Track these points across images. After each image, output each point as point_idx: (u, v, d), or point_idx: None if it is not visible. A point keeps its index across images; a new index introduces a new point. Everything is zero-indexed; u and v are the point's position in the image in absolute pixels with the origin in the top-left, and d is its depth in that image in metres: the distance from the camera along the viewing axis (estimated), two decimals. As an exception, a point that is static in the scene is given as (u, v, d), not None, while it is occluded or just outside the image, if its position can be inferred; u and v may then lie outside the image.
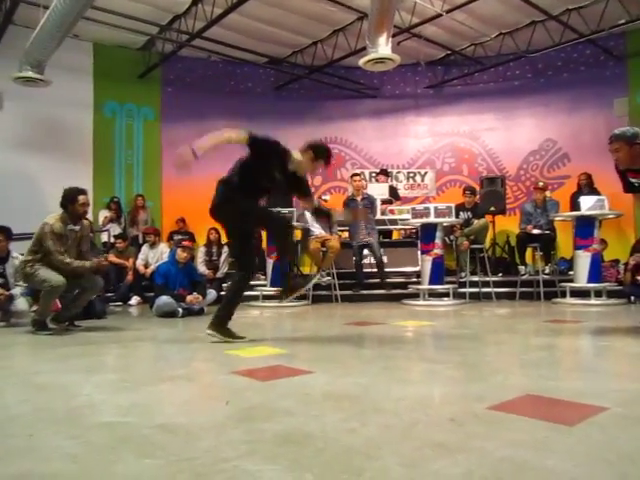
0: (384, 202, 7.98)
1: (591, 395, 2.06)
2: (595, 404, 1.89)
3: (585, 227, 6.45)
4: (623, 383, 2.37)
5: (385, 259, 7.46)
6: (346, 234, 8.38)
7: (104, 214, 8.94)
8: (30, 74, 7.43)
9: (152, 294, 5.99)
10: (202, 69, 10.31)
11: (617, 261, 7.27)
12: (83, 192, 4.57)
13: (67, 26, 6.71)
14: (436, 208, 6.76)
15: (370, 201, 7.44)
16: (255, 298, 6.98)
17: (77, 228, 4.59)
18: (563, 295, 6.58)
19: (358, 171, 8.72)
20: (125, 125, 9.92)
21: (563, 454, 1.43)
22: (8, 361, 3.29)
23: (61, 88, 8.24)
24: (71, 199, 4.50)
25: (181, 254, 5.73)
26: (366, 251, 7.37)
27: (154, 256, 7.61)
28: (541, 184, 8.00)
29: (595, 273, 6.33)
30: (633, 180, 3.68)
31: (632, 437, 1.58)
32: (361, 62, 7.58)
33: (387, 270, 7.41)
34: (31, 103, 8.34)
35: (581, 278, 6.40)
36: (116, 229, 8.64)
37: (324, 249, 7.29)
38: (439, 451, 1.46)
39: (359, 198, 7.37)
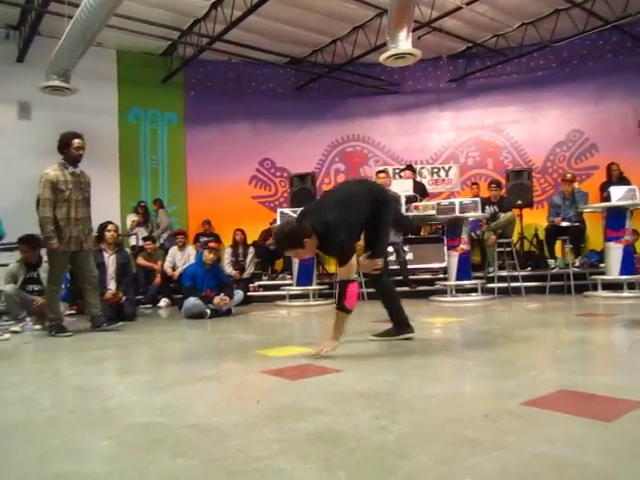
0: (408, 199, 7.90)
1: (628, 390, 2.01)
2: (632, 399, 1.84)
3: (616, 218, 6.29)
4: (661, 377, 2.31)
5: (411, 256, 7.41)
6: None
7: (132, 218, 9.09)
8: (56, 83, 7.58)
9: (180, 296, 6.06)
10: (223, 72, 10.39)
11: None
12: (78, 136, 4.65)
13: (91, 35, 6.84)
14: (461, 203, 6.68)
15: (396, 199, 7.37)
16: (282, 298, 7.01)
17: (78, 171, 4.67)
18: (594, 288, 6.43)
19: (382, 168, 8.67)
20: (149, 130, 10.07)
21: (601, 450, 1.40)
22: (45, 364, 3.36)
23: (86, 95, 8.40)
24: (66, 143, 4.59)
25: (208, 255, 5.78)
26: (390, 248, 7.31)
27: (182, 258, 7.70)
28: (569, 176, 7.83)
29: (627, 265, 6.17)
30: None
31: (673, 432, 1.54)
32: (381, 58, 7.53)
33: (413, 267, 7.35)
34: (58, 111, 8.51)
35: (613, 270, 6.25)
36: (143, 232, 8.77)
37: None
38: (473, 448, 1.45)
39: None
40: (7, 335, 4.47)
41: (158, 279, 7.59)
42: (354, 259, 3.05)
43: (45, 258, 5.50)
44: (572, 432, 1.56)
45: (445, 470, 1.31)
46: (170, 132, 10.25)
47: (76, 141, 4.60)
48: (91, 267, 4.81)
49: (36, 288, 5.36)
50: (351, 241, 3.07)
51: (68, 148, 4.59)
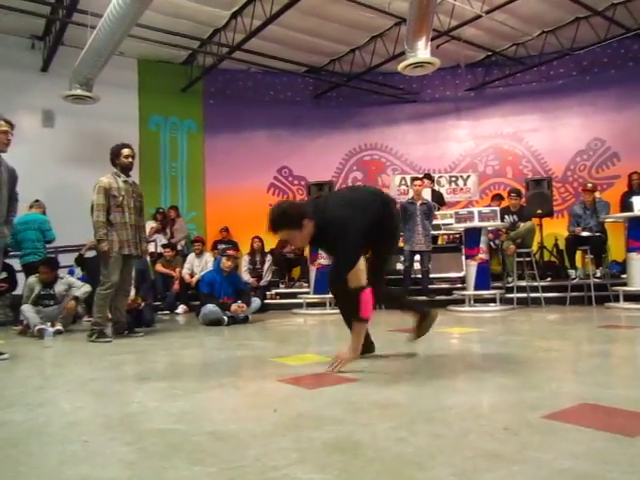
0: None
1: (653, 404, 1.96)
2: (657, 413, 1.80)
3: (638, 228, 6.19)
4: (686, 391, 2.25)
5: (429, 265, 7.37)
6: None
7: (150, 225, 9.16)
8: (79, 92, 7.73)
9: (198, 303, 6.10)
10: (242, 80, 10.49)
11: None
12: (127, 146, 4.88)
13: (113, 44, 6.97)
14: (480, 212, 6.63)
15: (428, 207, 7.34)
16: (299, 306, 7.01)
17: (131, 181, 4.89)
18: (616, 299, 6.32)
19: (419, 176, 8.63)
20: (169, 138, 10.19)
21: (625, 466, 1.37)
22: (64, 369, 3.40)
23: (108, 104, 8.53)
24: (116, 153, 4.81)
25: (226, 263, 5.81)
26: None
27: (199, 265, 7.75)
28: (590, 185, 7.73)
29: (650, 276, 6.06)
30: None
31: (700, 449, 1.50)
32: (400, 67, 7.54)
33: (431, 276, 7.31)
34: (80, 119, 8.67)
35: (635, 281, 6.13)
36: (162, 239, 8.84)
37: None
38: (493, 461, 1.42)
39: (418, 203, 7.28)
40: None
41: (176, 286, 7.65)
42: (362, 262, 2.92)
43: (60, 275, 5.76)
44: (595, 447, 1.52)
45: (465, 483, 1.29)
46: (189, 140, 10.37)
47: (125, 150, 4.82)
48: (130, 274, 4.98)
49: (51, 303, 5.56)
50: (358, 243, 2.85)
51: (119, 158, 4.80)
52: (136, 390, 2.55)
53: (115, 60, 8.21)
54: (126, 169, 4.85)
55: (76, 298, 5.58)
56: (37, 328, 5.00)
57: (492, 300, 6.57)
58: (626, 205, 6.82)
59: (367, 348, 3.18)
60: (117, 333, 4.74)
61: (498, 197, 8.68)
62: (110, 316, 4.85)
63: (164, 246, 8.24)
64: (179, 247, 8.83)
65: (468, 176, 9.83)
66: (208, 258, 7.82)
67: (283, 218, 2.76)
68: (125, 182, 4.80)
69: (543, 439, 1.60)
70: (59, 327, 5.22)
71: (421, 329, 3.33)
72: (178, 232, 9.20)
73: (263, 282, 7.86)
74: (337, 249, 2.86)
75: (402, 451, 1.54)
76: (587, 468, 1.36)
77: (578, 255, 7.42)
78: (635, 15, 8.22)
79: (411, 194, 7.64)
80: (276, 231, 2.78)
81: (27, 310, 5.32)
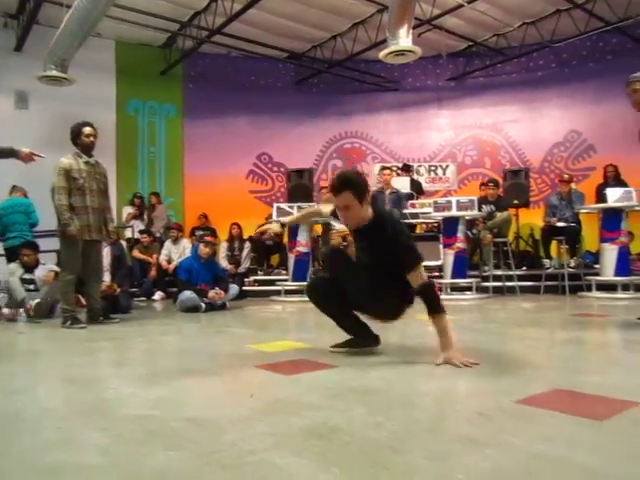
0: (407, 197, 7.92)
1: (621, 390, 2.01)
2: (625, 398, 1.85)
3: (612, 219, 6.32)
4: (655, 378, 2.32)
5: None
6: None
7: (127, 210, 9.06)
8: (54, 73, 7.54)
9: (175, 289, 6.05)
10: (222, 65, 10.35)
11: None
12: (88, 124, 4.68)
13: (90, 24, 6.80)
14: (458, 201, 6.69)
15: (398, 196, 7.38)
16: (277, 293, 7.01)
17: (93, 161, 4.68)
18: (589, 289, 6.46)
19: (387, 165, 8.68)
20: (148, 122, 10.03)
21: (595, 449, 1.41)
22: (38, 355, 3.35)
23: (85, 86, 8.35)
24: (77, 133, 4.63)
25: (204, 249, 5.77)
26: None
27: (177, 252, 7.68)
28: (566, 176, 7.86)
29: (622, 266, 6.20)
30: None
31: (666, 433, 1.55)
32: (381, 55, 7.52)
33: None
34: (55, 102, 8.47)
35: (608, 271, 6.27)
36: (139, 225, 8.74)
37: (345, 243, 7.27)
38: (468, 445, 1.45)
39: (387, 192, 7.31)
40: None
41: (154, 272, 7.58)
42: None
43: (42, 262, 5.62)
44: (567, 431, 1.56)
45: (439, 467, 1.31)
46: (168, 124, 10.22)
47: (87, 129, 4.64)
48: (100, 260, 4.83)
49: (32, 287, 5.45)
50: None
51: (79, 137, 4.62)
52: (112, 376, 2.53)
53: (92, 41, 8.04)
54: (88, 149, 4.65)
55: (56, 273, 5.46)
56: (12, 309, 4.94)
57: (469, 289, 6.66)
58: (601, 196, 6.95)
59: (375, 340, 2.99)
60: (92, 320, 4.66)
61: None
62: (84, 302, 4.78)
63: (141, 232, 8.15)
64: (157, 234, 8.74)
65: (447, 166, 9.89)
66: (186, 244, 7.75)
67: (357, 181, 2.61)
68: (87, 163, 4.61)
69: (516, 424, 1.63)
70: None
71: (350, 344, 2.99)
72: (158, 219, 9.09)
73: (241, 269, 7.83)
74: (403, 245, 2.62)
75: (378, 436, 1.55)
76: (558, 451, 1.39)
77: (553, 245, 7.55)
78: (614, 9, 8.31)
79: (374, 183, 7.67)
80: (342, 190, 2.57)
81: (14, 282, 5.27)
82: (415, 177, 9.08)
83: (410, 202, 7.69)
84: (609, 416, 1.67)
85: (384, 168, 7.87)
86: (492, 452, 1.39)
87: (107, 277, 5.80)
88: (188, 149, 10.20)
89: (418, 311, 4.68)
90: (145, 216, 9.11)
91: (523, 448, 1.42)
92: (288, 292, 6.90)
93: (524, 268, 7.61)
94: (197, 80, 10.27)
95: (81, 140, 4.62)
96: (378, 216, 2.69)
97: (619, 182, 7.65)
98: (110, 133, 9.42)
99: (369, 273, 2.74)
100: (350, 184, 2.58)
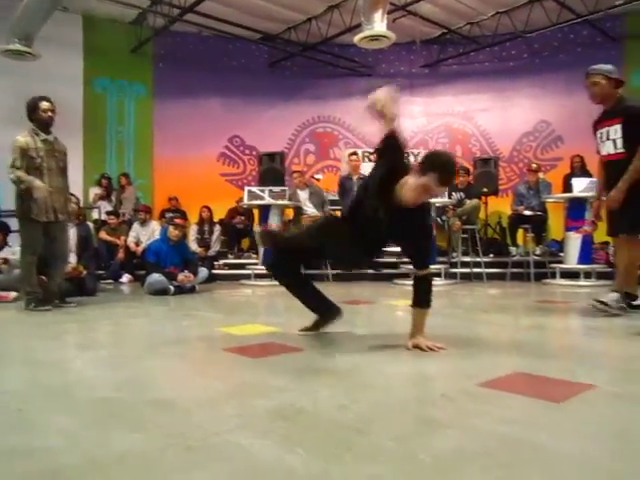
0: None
1: (580, 373, 2.08)
2: (584, 382, 1.91)
3: (577, 209, 6.47)
4: (611, 362, 2.40)
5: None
6: (339, 213, 8.37)
7: (94, 191, 8.87)
8: (18, 47, 7.28)
9: (143, 272, 5.97)
10: (194, 44, 10.13)
11: (607, 243, 7.30)
12: (45, 99, 4.44)
13: (56, -3, 6.58)
14: (429, 188, 6.74)
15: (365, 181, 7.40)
16: (247, 277, 6.99)
17: (51, 138, 4.46)
18: (553, 276, 6.63)
19: (353, 150, 8.68)
20: (116, 101, 9.78)
21: (553, 430, 1.45)
22: (1, 338, 3.28)
23: (50, 62, 8.08)
24: (33, 108, 4.39)
25: (173, 232, 5.70)
26: None
27: (146, 234, 7.57)
28: (534, 166, 8.00)
29: (585, 255, 6.37)
30: (599, 132, 3.85)
31: (620, 414, 1.61)
32: (356, 39, 7.48)
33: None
34: (19, 77, 8.15)
35: (571, 259, 6.44)
36: (107, 206, 8.57)
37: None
38: (430, 426, 1.48)
39: (355, 177, 7.32)
40: None
41: (121, 254, 7.45)
42: None
43: (9, 244, 5.44)
44: (526, 412, 1.61)
45: (401, 447, 1.33)
46: (138, 104, 9.98)
47: (44, 104, 4.39)
48: (64, 240, 4.65)
49: None
50: None
51: (36, 112, 4.37)
52: (76, 359, 2.49)
53: (58, 15, 7.77)
54: (45, 125, 4.40)
55: (5, 260, 5.31)
56: None
57: (437, 275, 6.74)
58: (567, 186, 7.11)
59: (338, 311, 3.04)
60: (46, 302, 4.45)
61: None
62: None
63: (108, 213, 7.99)
64: (127, 216, 8.58)
65: (419, 153, 9.91)
66: (155, 227, 7.64)
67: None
68: (45, 141, 4.39)
69: (478, 405, 1.67)
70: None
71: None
72: (127, 201, 8.92)
73: (211, 252, 7.77)
74: (429, 235, 2.86)
75: (343, 417, 1.57)
76: (517, 432, 1.43)
77: (520, 233, 7.70)
78: (585, 2, 8.41)
79: (345, 169, 7.67)
80: (453, 179, 2.75)
81: None
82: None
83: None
84: (566, 398, 1.72)
85: (352, 153, 7.85)
86: (454, 433, 1.42)
87: (73, 259, 5.68)
88: (158, 130, 10.00)
89: (389, 297, 4.74)
90: (113, 197, 8.92)
91: (484, 429, 1.45)
92: (258, 276, 6.87)
93: (491, 255, 7.74)
94: (168, 59, 10.04)
95: (38, 115, 4.38)
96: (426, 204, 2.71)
97: (585, 173, 7.82)
98: (77, 111, 9.17)
99: (370, 243, 2.79)
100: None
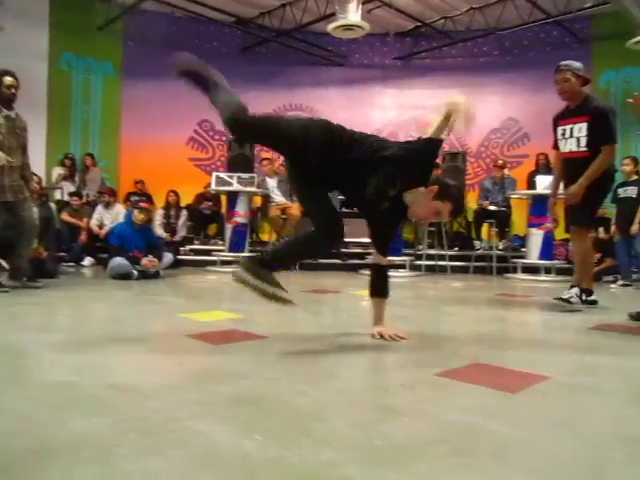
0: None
1: (535, 364, 2.14)
2: (539, 373, 1.97)
3: (540, 205, 6.62)
4: (565, 354, 2.48)
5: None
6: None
7: (58, 171, 8.62)
8: (-20, 18, 7.00)
9: (106, 255, 5.86)
10: (166, 25, 9.91)
11: (567, 240, 7.51)
12: (8, 73, 4.29)
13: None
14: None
15: None
16: (213, 263, 6.93)
17: (13, 114, 4.31)
18: (515, 271, 6.79)
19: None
20: (83, 79, 9.51)
21: (506, 419, 1.50)
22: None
23: (14, 36, 7.80)
24: None
25: (138, 215, 5.60)
26: None
27: (110, 217, 7.42)
28: (500, 162, 8.17)
29: (546, 250, 6.54)
30: (561, 128, 3.89)
31: (570, 403, 1.67)
32: (330, 28, 7.46)
33: (346, 240, 7.46)
34: (-20, 50, 7.88)
35: (533, 255, 6.61)
36: (70, 187, 8.35)
37: (284, 217, 7.27)
38: (387, 414, 1.51)
39: None
40: None
41: (84, 237, 7.29)
42: None
43: None
44: (481, 402, 1.65)
45: (358, 433, 1.36)
46: (105, 83, 9.73)
47: (7, 79, 4.21)
48: (29, 217, 4.48)
49: None
50: None
51: None
52: (33, 343, 2.44)
53: (23, -13, 7.49)
54: (8, 101, 4.25)
55: None
56: None
57: (402, 266, 6.83)
58: (531, 183, 7.27)
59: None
60: (14, 278, 4.39)
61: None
62: (6, 265, 4.53)
63: (71, 194, 7.79)
64: (92, 197, 8.39)
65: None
66: (120, 210, 7.50)
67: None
68: (7, 117, 4.23)
69: (435, 394, 1.71)
70: None
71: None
72: (92, 182, 8.70)
73: (177, 237, 7.68)
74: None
75: (302, 404, 1.58)
76: (472, 420, 1.47)
77: (484, 227, 7.86)
78: (556, 2, 8.57)
79: None
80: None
81: None
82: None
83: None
84: (521, 389, 1.78)
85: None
86: (410, 420, 1.45)
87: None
88: (126, 110, 9.77)
89: (355, 287, 4.78)
90: (76, 178, 8.70)
91: (439, 417, 1.49)
92: (224, 263, 6.84)
93: (456, 249, 7.88)
94: (138, 39, 9.78)
95: (1, 91, 4.22)
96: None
97: (549, 170, 7.97)
98: (41, 87, 8.88)
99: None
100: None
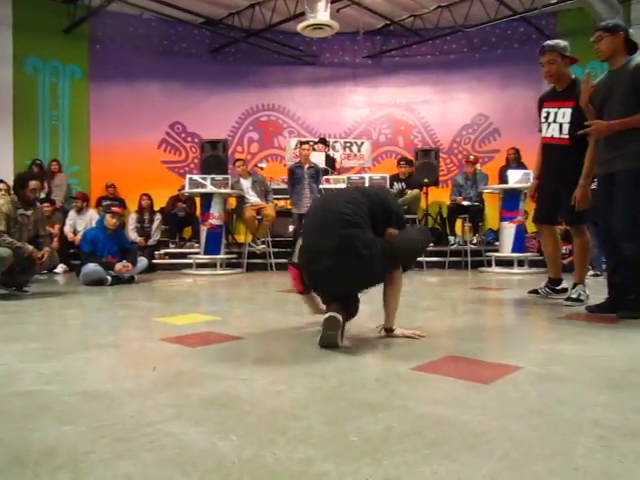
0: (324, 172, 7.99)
1: (507, 356, 2.18)
2: (511, 364, 2.01)
3: (511, 199, 6.73)
4: (537, 345, 2.53)
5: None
6: (282, 202, 8.36)
7: (26, 178, 8.42)
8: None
9: (79, 262, 5.76)
10: (134, 26, 9.78)
11: (539, 233, 7.64)
12: (35, 177, 4.62)
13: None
14: (371, 178, 6.84)
15: (316, 170, 7.40)
16: (189, 266, 6.87)
17: (29, 213, 4.55)
18: (489, 264, 6.88)
19: (308, 140, 8.64)
20: (49, 83, 9.32)
21: (478, 409, 1.52)
22: None
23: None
24: (22, 184, 4.51)
25: (110, 220, 5.52)
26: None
27: (83, 222, 7.30)
28: (472, 157, 8.26)
29: (519, 243, 6.65)
30: (545, 110, 3.68)
31: (541, 393, 1.70)
32: (299, 27, 7.46)
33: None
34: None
35: (506, 248, 6.70)
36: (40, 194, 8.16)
37: (259, 217, 7.24)
38: (362, 410, 1.51)
39: (306, 166, 7.31)
40: None
41: (55, 243, 7.14)
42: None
43: None
44: (454, 394, 1.67)
45: (334, 430, 1.36)
46: (73, 87, 9.55)
47: (33, 183, 4.58)
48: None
49: None
50: None
51: (24, 189, 4.53)
52: (3, 351, 2.38)
53: (-16, -11, 7.31)
54: (29, 204, 4.53)
55: None
56: None
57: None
58: (503, 178, 7.38)
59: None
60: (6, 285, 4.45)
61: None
62: None
63: (42, 201, 7.62)
64: (59, 204, 8.22)
65: (362, 143, 10.03)
66: (93, 215, 7.38)
67: None
68: (23, 215, 4.47)
69: (409, 388, 1.72)
70: None
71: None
72: (58, 188, 8.53)
73: (151, 241, 7.57)
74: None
75: (278, 403, 1.58)
76: (445, 412, 1.49)
77: (458, 223, 7.94)
78: (522, -1, 8.72)
79: (288, 157, 7.64)
80: None
81: None
82: (331, 153, 9.15)
83: (325, 177, 7.76)
84: (493, 380, 1.80)
85: (303, 143, 7.86)
86: (385, 415, 1.46)
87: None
88: (95, 114, 9.61)
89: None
90: (46, 184, 8.52)
91: (413, 410, 1.50)
92: (200, 265, 6.78)
93: (431, 244, 7.94)
94: (105, 41, 9.64)
95: (25, 193, 4.50)
96: None
97: (520, 164, 8.13)
98: (6, 93, 8.69)
99: None
100: None
